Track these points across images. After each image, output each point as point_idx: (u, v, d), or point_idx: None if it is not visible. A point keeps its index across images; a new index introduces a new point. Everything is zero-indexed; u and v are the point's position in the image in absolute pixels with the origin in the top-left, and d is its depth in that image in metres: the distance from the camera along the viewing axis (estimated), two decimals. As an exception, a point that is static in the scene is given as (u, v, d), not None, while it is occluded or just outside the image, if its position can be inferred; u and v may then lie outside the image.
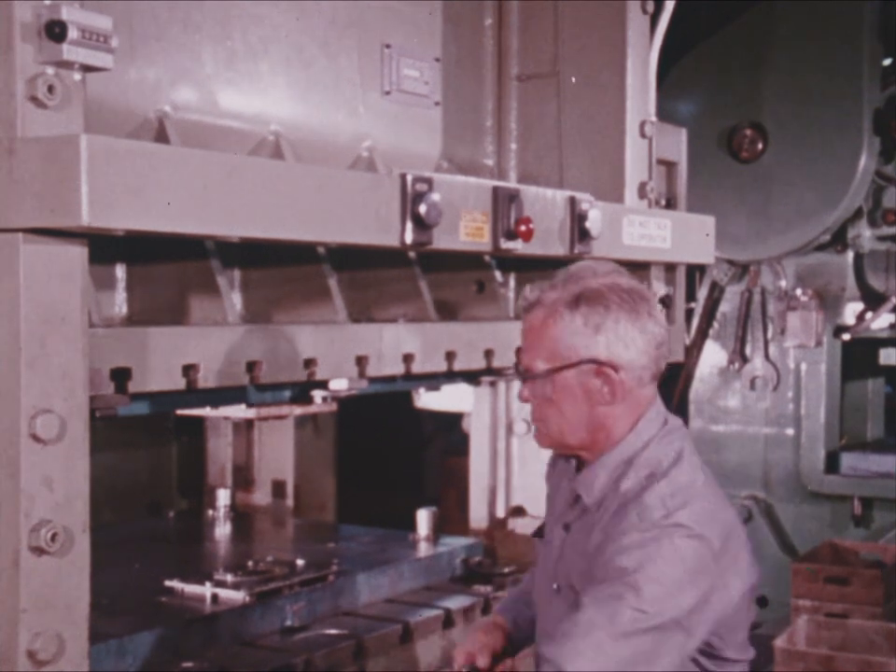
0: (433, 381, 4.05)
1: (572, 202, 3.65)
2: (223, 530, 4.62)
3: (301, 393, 3.54)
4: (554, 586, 2.62)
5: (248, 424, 4.96)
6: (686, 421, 7.34)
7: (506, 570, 4.23)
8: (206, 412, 3.66)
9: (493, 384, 4.44)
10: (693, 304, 7.30)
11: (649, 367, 2.54)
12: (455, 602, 3.89)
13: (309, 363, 3.30)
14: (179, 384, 2.95)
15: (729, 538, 2.43)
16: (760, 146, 6.89)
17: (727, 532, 2.44)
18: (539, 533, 2.78)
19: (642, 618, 2.31)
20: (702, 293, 7.49)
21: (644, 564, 2.33)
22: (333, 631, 3.51)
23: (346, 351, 3.44)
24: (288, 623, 3.51)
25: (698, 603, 2.35)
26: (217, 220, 2.54)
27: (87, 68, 2.44)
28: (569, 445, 2.58)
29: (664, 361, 2.58)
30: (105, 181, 2.29)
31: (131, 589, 3.62)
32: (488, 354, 3.98)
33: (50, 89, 2.37)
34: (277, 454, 5.06)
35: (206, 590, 3.51)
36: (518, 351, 2.65)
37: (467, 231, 3.26)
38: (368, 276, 3.89)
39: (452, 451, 6.51)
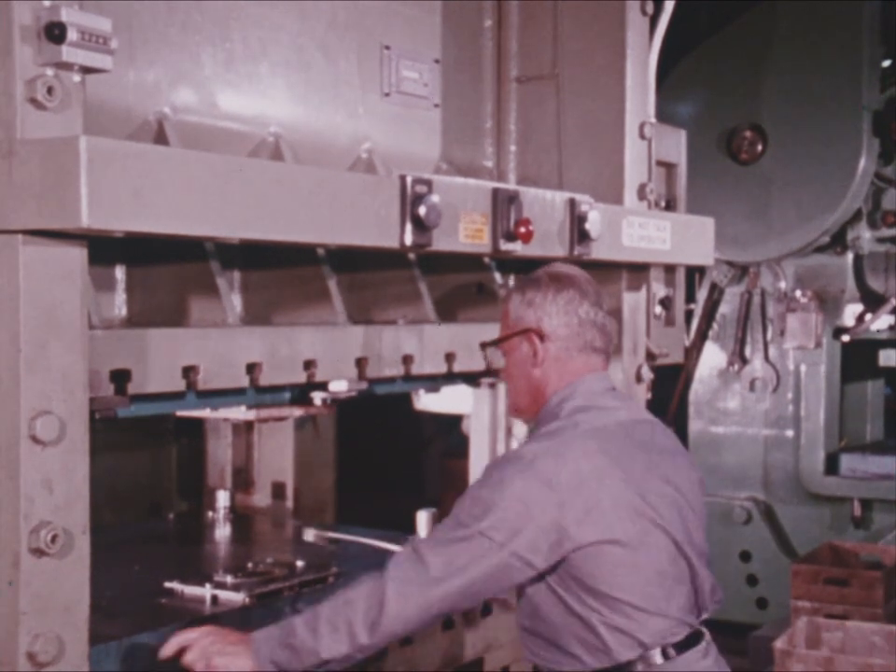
0: (432, 382, 4.05)
1: (572, 203, 3.65)
2: (223, 532, 4.61)
3: (301, 394, 3.54)
4: None
5: (248, 425, 4.95)
6: (685, 422, 7.36)
7: (506, 572, 4.21)
8: (206, 413, 3.65)
9: (492, 385, 4.43)
10: (692, 306, 7.31)
11: (573, 338, 2.94)
12: (455, 603, 3.89)
13: (308, 364, 3.31)
14: (179, 385, 2.95)
15: (581, 487, 2.70)
16: (759, 147, 6.90)
17: (579, 482, 2.71)
18: None
19: (456, 528, 2.73)
20: (701, 295, 7.50)
21: (472, 487, 2.81)
22: (333, 632, 3.50)
23: (346, 352, 3.44)
24: (288, 624, 3.50)
25: (509, 521, 2.68)
26: (216, 222, 2.54)
27: (86, 70, 2.44)
28: (523, 410, 3.06)
29: (594, 338, 2.96)
30: (105, 183, 2.29)
31: (130, 591, 3.61)
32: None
33: (50, 90, 2.37)
34: (277, 455, 5.05)
35: (206, 591, 3.50)
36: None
37: (466, 232, 3.26)
38: (367, 278, 3.90)
39: (451, 452, 6.51)
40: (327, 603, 2.86)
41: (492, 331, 4.03)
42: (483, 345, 3.28)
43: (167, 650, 2.86)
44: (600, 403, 2.93)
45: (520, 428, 4.49)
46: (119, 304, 3.32)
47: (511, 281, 4.43)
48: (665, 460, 2.92)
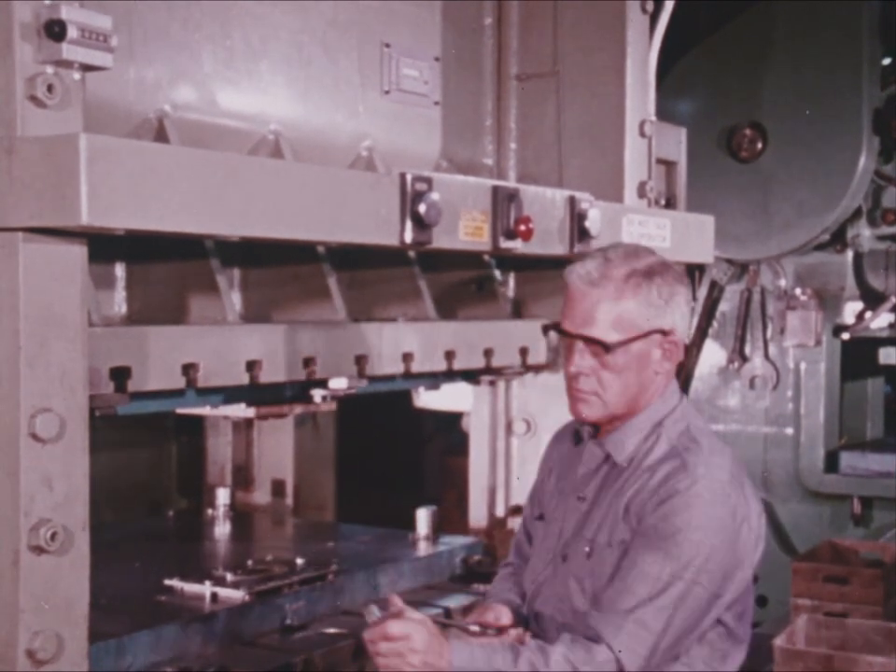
0: (432, 380, 4.06)
1: (572, 201, 3.65)
2: (222, 529, 4.62)
3: (301, 392, 3.54)
4: (561, 554, 2.74)
5: (248, 423, 4.95)
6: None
7: (505, 570, 4.22)
8: (206, 411, 3.65)
9: (492, 383, 4.43)
10: (692, 304, 7.30)
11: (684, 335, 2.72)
12: (455, 601, 3.89)
13: (308, 362, 3.31)
14: (179, 383, 2.95)
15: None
16: (759, 145, 6.89)
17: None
18: (541, 517, 2.93)
19: (675, 582, 2.50)
20: (701, 292, 7.48)
21: (682, 525, 2.52)
22: (333, 630, 3.51)
23: (346, 350, 3.44)
24: (288, 622, 3.51)
25: (727, 568, 2.54)
26: (216, 219, 2.54)
27: (86, 67, 2.44)
28: (616, 414, 2.71)
29: None
30: (105, 180, 2.29)
31: (130, 588, 3.62)
32: (487, 353, 3.98)
33: (50, 88, 2.37)
34: (277, 453, 5.05)
35: (206, 589, 3.51)
36: (560, 323, 2.72)
37: (466, 230, 3.26)
38: (367, 275, 3.90)
39: (451, 450, 6.50)
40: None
41: (492, 330, 4.05)
42: (609, 347, 2.61)
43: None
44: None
45: (519, 426, 4.50)
46: (118, 302, 3.32)
47: (512, 279, 4.43)
48: None
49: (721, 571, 2.54)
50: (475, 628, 2.75)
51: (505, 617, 2.82)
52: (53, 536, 2.43)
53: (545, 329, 3.04)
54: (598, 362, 2.64)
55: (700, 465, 2.58)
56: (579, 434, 2.86)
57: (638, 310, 2.62)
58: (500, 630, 2.76)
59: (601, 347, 2.61)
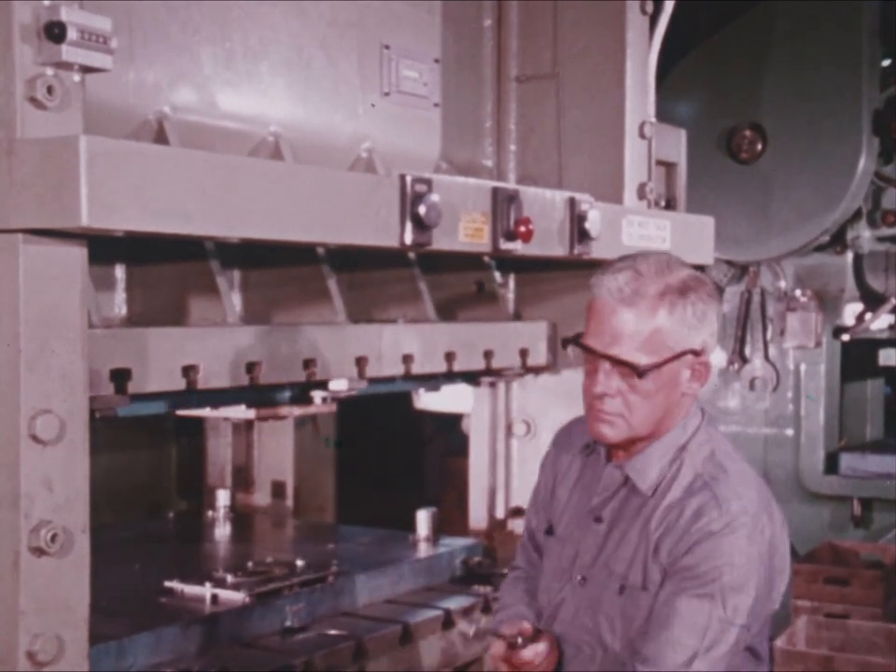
0: (432, 381, 4.06)
1: (571, 202, 3.66)
2: (223, 531, 4.62)
3: (301, 393, 3.54)
4: (579, 578, 2.65)
5: (248, 424, 4.95)
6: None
7: (505, 571, 4.19)
8: (206, 412, 3.65)
9: (492, 384, 4.43)
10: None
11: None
12: (455, 603, 3.89)
13: (308, 364, 3.31)
14: (179, 384, 2.95)
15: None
16: (759, 146, 6.89)
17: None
18: (551, 531, 2.80)
19: (726, 628, 2.44)
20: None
21: (725, 568, 2.43)
22: (333, 632, 3.51)
23: (346, 351, 3.44)
24: (288, 623, 3.51)
25: (758, 600, 2.48)
26: (216, 221, 2.55)
27: (86, 69, 2.44)
28: (640, 436, 2.58)
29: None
30: (105, 182, 2.29)
31: (130, 590, 3.62)
32: (487, 354, 3.98)
33: (50, 90, 2.37)
34: (277, 454, 5.05)
35: (206, 591, 3.51)
36: (584, 338, 2.58)
37: (466, 231, 3.26)
38: (367, 277, 3.90)
39: (451, 452, 6.51)
40: None
41: (492, 331, 4.05)
42: (642, 371, 2.47)
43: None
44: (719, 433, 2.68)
45: (519, 427, 4.50)
46: (118, 303, 3.32)
47: (512, 280, 4.43)
48: None
49: (761, 608, 2.51)
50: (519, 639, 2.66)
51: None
52: (53, 538, 2.43)
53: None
54: (626, 384, 2.50)
55: (732, 500, 2.47)
56: (589, 446, 2.77)
57: (672, 330, 2.48)
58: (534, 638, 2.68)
59: (632, 370, 2.48)
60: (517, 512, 4.51)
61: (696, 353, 2.52)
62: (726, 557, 2.43)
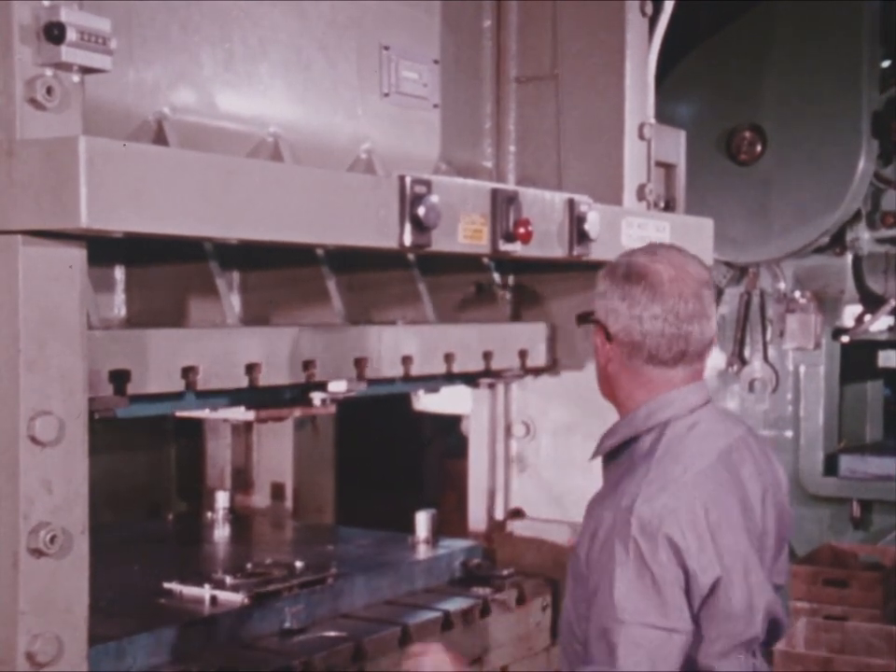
0: (432, 383, 4.05)
1: (571, 204, 3.66)
2: (222, 532, 4.62)
3: (300, 395, 3.54)
4: None
5: (247, 426, 4.95)
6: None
7: (504, 573, 4.22)
8: (205, 414, 3.65)
9: (491, 386, 4.43)
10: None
11: (647, 352, 2.59)
12: (454, 604, 3.89)
13: (308, 365, 3.31)
14: (178, 385, 2.95)
15: (694, 528, 2.45)
16: (759, 148, 6.90)
17: (692, 523, 2.45)
18: None
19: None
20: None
21: (611, 589, 2.41)
22: (332, 633, 3.51)
23: (345, 353, 3.44)
24: (287, 625, 3.51)
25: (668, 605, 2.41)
26: (215, 222, 2.55)
27: (85, 70, 2.44)
28: (603, 395, 2.75)
29: (661, 348, 2.59)
30: (104, 183, 2.29)
31: (129, 591, 3.62)
32: (487, 356, 3.98)
33: (49, 90, 2.37)
34: (276, 456, 5.05)
35: (205, 592, 3.51)
36: None
37: (465, 233, 3.26)
38: (366, 278, 3.90)
39: (450, 453, 6.51)
40: None
41: (491, 333, 4.05)
42: (578, 317, 2.82)
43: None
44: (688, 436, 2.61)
45: (519, 429, 4.50)
46: (118, 304, 3.32)
47: (511, 281, 4.43)
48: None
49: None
50: None
51: None
52: (53, 539, 2.43)
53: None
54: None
55: (628, 494, 2.49)
56: None
57: (603, 301, 2.70)
58: None
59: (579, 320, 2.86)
60: (516, 514, 4.51)
61: (599, 324, 2.65)
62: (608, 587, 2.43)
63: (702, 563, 2.43)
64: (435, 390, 4.31)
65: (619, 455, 2.68)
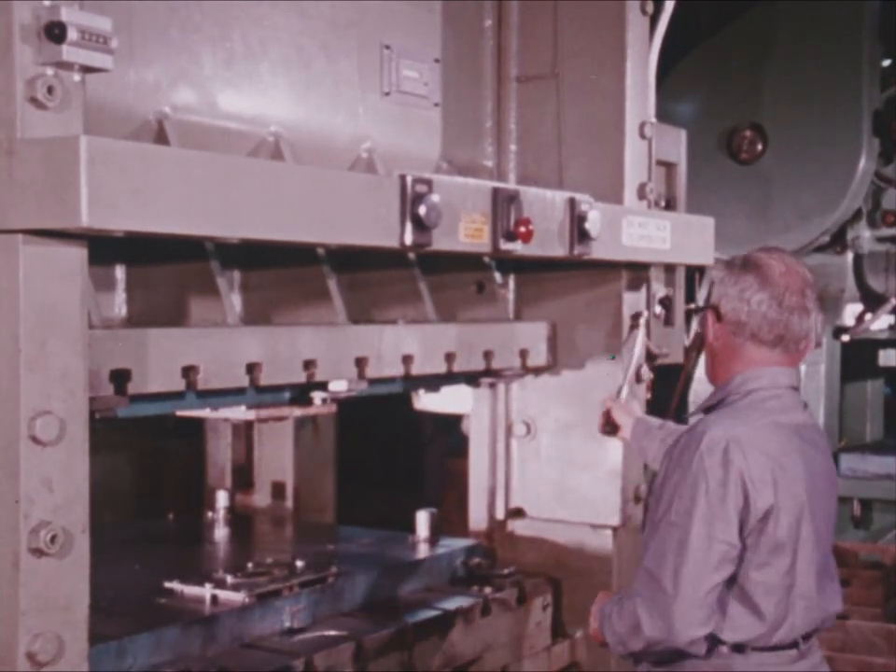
0: (432, 382, 4.05)
1: (572, 203, 3.65)
2: (222, 532, 4.62)
3: (301, 394, 3.54)
4: None
5: (248, 425, 4.95)
6: (686, 423, 7.32)
7: (505, 572, 4.23)
8: (206, 413, 3.65)
9: (492, 385, 4.43)
10: (692, 305, 7.30)
11: (749, 329, 2.92)
12: (455, 603, 3.89)
13: (308, 364, 3.31)
14: (179, 385, 2.95)
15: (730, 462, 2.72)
16: (759, 147, 6.89)
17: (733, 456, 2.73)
18: None
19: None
20: (701, 294, 7.48)
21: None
22: (333, 632, 3.51)
23: (346, 352, 3.44)
24: (288, 624, 3.51)
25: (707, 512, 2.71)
26: (216, 221, 2.54)
27: (86, 69, 2.44)
28: (707, 375, 3.09)
29: (762, 330, 2.92)
30: (105, 182, 2.29)
31: (130, 590, 3.62)
32: (487, 355, 3.98)
33: (50, 90, 2.37)
34: (277, 455, 5.05)
35: (206, 591, 3.51)
36: None
37: (466, 232, 3.26)
38: (367, 277, 3.90)
39: (451, 452, 6.50)
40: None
41: (492, 332, 4.05)
42: (689, 310, 3.33)
43: None
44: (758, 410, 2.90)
45: (519, 428, 4.50)
46: (118, 304, 3.32)
47: (512, 281, 4.43)
48: None
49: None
50: None
51: None
52: (53, 538, 2.43)
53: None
54: None
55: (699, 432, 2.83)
56: None
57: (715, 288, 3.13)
58: None
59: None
60: (517, 513, 4.51)
61: (711, 308, 3.02)
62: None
63: (759, 488, 2.71)
64: (436, 389, 4.31)
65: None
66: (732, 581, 2.75)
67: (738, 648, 2.79)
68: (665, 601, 2.71)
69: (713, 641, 2.77)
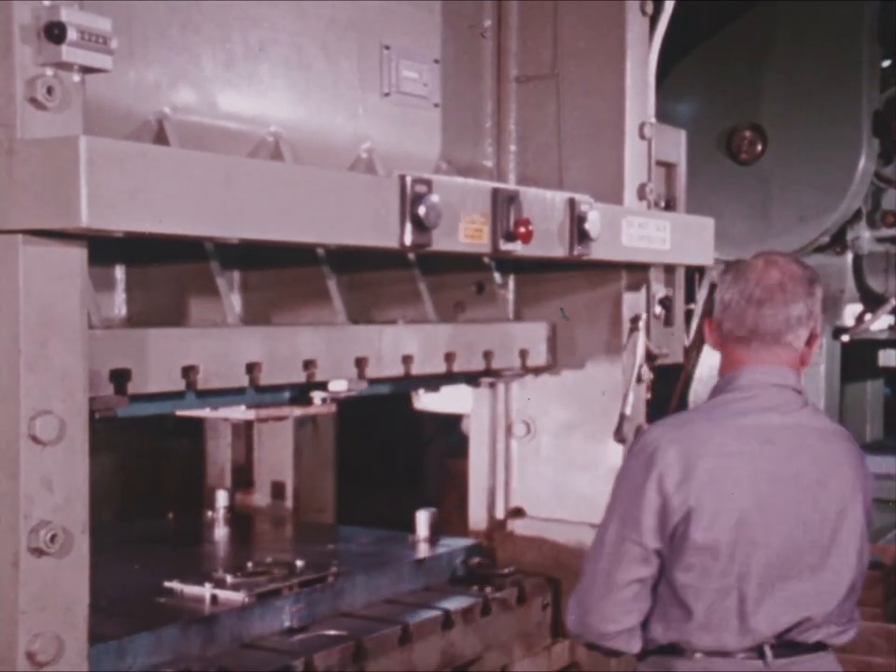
0: (432, 382, 4.06)
1: (571, 203, 3.65)
2: (222, 531, 4.62)
3: (301, 394, 3.54)
4: None
5: (248, 425, 4.95)
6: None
7: (505, 571, 4.23)
8: (206, 413, 3.65)
9: (492, 385, 4.43)
10: (692, 306, 7.30)
11: (725, 328, 2.93)
12: (455, 603, 3.89)
13: (308, 364, 3.31)
14: (179, 385, 2.95)
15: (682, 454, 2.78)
16: (759, 147, 6.89)
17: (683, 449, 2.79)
18: None
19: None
20: (701, 295, 7.48)
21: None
22: (333, 632, 3.51)
23: (346, 352, 3.44)
24: (288, 624, 3.51)
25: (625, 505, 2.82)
26: (216, 222, 2.54)
27: (86, 70, 2.44)
28: None
29: (734, 326, 2.92)
30: (105, 183, 2.29)
31: (130, 590, 3.62)
32: (487, 355, 3.98)
33: (50, 90, 2.37)
34: (277, 455, 5.05)
35: (205, 591, 3.51)
36: None
37: (466, 232, 3.26)
38: (367, 278, 3.90)
39: (451, 452, 6.51)
40: None
41: (492, 332, 4.06)
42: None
43: None
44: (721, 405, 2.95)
45: (519, 428, 4.50)
46: (118, 304, 3.32)
47: (512, 281, 4.44)
48: None
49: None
50: None
51: None
52: (53, 538, 2.43)
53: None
54: None
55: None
56: None
57: None
58: None
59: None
60: (517, 513, 4.51)
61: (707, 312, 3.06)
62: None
63: (680, 490, 2.74)
64: (435, 389, 4.31)
65: None
66: (668, 583, 2.79)
67: (711, 653, 2.81)
68: (583, 596, 2.84)
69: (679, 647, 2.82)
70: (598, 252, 3.74)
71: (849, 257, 7.25)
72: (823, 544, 2.90)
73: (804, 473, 2.87)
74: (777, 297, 2.90)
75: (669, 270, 4.53)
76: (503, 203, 3.37)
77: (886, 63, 7.03)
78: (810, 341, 3.02)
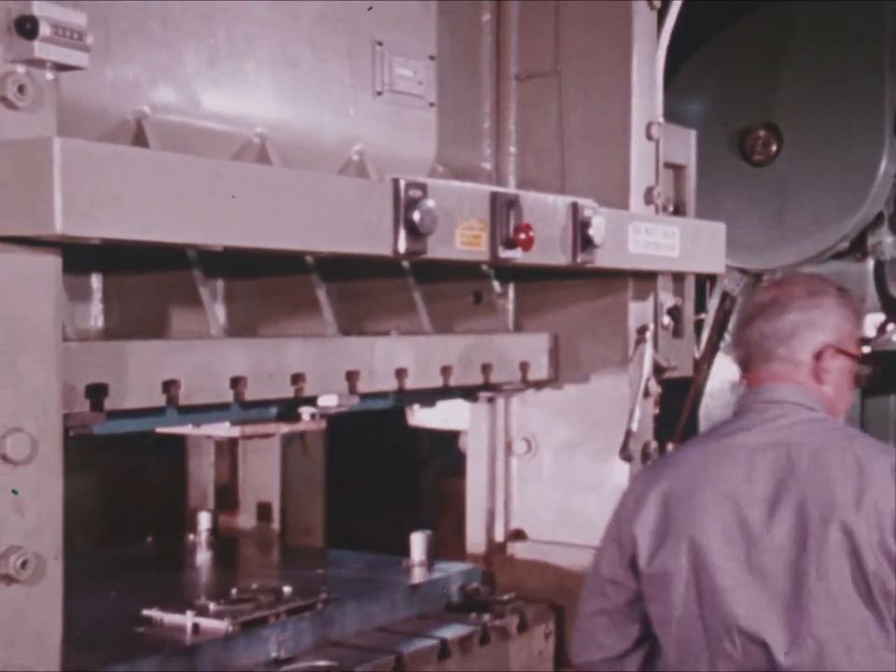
0: (428, 397, 4.06)
1: (574, 208, 3.66)
2: (205, 556, 4.62)
3: (289, 410, 3.55)
4: None
5: (232, 443, 4.95)
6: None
7: (505, 598, 4.23)
8: (188, 430, 3.65)
9: (491, 400, 4.43)
10: (703, 316, 7.31)
11: (735, 357, 3.07)
12: (452, 632, 3.89)
13: (297, 378, 3.31)
14: (159, 400, 2.96)
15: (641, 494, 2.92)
16: (774, 148, 6.90)
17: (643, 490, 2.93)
18: None
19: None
20: (712, 304, 7.49)
21: None
22: (322, 663, 3.51)
23: (336, 366, 3.45)
24: (274, 654, 3.51)
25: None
26: (198, 228, 2.55)
27: (60, 67, 2.44)
28: None
29: (743, 354, 3.02)
30: (80, 187, 2.29)
31: (106, 619, 3.62)
32: (486, 368, 3.99)
33: (21, 89, 2.38)
34: (263, 474, 5.06)
35: (187, 619, 3.51)
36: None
37: (463, 239, 3.27)
38: (359, 287, 3.90)
39: (448, 471, 6.50)
40: None
41: (490, 344, 4.06)
42: None
43: None
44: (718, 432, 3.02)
45: (520, 445, 4.50)
46: (95, 315, 3.32)
47: (511, 290, 4.44)
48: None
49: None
50: None
51: None
52: (24, 564, 2.42)
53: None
54: None
55: None
56: None
57: None
58: None
59: None
60: (517, 535, 4.52)
61: None
62: None
63: (630, 518, 2.90)
64: (431, 405, 4.31)
65: None
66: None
67: None
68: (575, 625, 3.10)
69: None
70: (603, 260, 3.75)
71: (870, 263, 7.25)
72: (783, 568, 2.75)
73: (758, 494, 2.79)
74: (767, 311, 2.93)
75: (678, 278, 4.53)
76: (502, 207, 3.37)
77: (908, 60, 7.04)
78: (820, 353, 2.91)
